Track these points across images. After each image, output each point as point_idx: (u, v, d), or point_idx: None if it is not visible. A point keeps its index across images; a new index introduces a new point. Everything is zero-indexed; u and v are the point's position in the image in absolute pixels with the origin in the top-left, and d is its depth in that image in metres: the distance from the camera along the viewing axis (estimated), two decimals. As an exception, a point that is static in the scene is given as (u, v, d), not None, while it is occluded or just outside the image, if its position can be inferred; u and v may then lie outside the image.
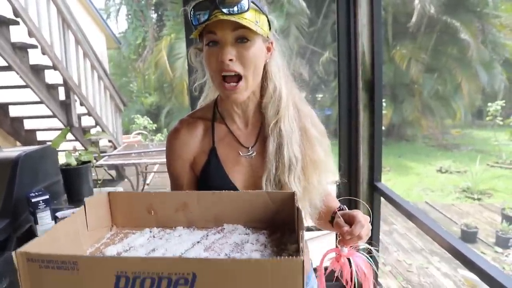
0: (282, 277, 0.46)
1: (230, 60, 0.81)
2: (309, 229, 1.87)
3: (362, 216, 0.81)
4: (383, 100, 1.85)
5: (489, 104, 9.33)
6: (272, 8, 0.89)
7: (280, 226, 0.75)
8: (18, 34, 4.04)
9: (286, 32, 10.13)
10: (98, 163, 4.31)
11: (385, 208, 4.75)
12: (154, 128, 10.81)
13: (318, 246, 1.11)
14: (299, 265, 0.46)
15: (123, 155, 5.46)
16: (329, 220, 0.92)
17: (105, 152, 5.71)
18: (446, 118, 11.78)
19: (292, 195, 0.75)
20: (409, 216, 1.53)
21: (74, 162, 1.67)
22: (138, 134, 9.33)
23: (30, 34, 4.08)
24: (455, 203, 6.51)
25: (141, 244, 0.71)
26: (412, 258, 4.20)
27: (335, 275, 0.85)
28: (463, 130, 12.30)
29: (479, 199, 6.83)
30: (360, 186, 1.89)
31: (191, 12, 0.83)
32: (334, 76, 10.39)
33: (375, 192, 1.86)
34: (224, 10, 0.78)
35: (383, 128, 2.02)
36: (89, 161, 1.71)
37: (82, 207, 0.72)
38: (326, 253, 0.86)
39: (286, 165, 0.88)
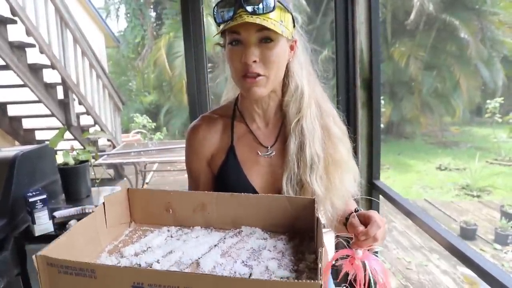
0: None
1: (254, 61, 0.79)
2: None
3: (378, 217, 0.76)
4: (382, 98, 1.86)
5: (488, 101, 9.32)
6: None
7: (299, 232, 0.74)
8: (15, 33, 4.03)
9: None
10: (97, 162, 4.31)
11: (384, 206, 4.76)
12: (153, 127, 10.76)
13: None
14: None
15: (122, 154, 5.46)
16: (343, 222, 0.86)
17: (104, 151, 5.70)
18: (445, 116, 11.79)
19: (313, 202, 0.73)
20: (408, 214, 1.53)
21: (72, 162, 1.67)
22: (137, 133, 9.31)
23: (28, 33, 4.07)
24: (454, 201, 6.52)
25: (159, 244, 0.72)
26: (411, 255, 4.21)
27: (349, 278, 0.79)
28: (462, 128, 12.31)
29: (478, 196, 6.84)
30: (359, 184, 1.88)
31: (215, 9, 0.82)
32: (333, 74, 10.37)
33: (374, 190, 1.86)
34: (249, 9, 0.76)
35: (382, 126, 2.02)
36: (87, 160, 1.71)
37: (102, 204, 0.73)
38: (337, 254, 0.80)
39: (308, 164, 0.86)
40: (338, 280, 0.84)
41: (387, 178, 7.98)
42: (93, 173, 1.80)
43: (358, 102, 1.85)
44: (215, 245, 0.71)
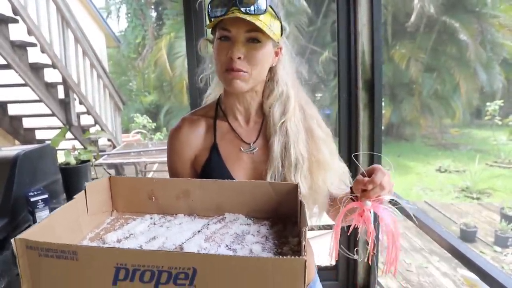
0: (283, 276, 0.46)
1: (239, 58, 0.83)
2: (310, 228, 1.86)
3: (381, 167, 0.78)
4: (383, 99, 1.86)
5: (488, 103, 9.34)
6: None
7: (283, 218, 0.74)
8: (17, 32, 4.04)
9: (285, 31, 10.10)
10: (97, 162, 4.31)
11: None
12: (153, 127, 10.78)
13: (316, 246, 1.10)
14: (301, 264, 0.45)
15: (122, 154, 5.46)
16: (349, 194, 0.83)
17: (104, 151, 5.70)
18: (445, 118, 11.79)
19: (296, 187, 0.74)
20: (409, 216, 1.53)
21: (73, 161, 1.66)
22: (138, 133, 9.31)
23: (29, 32, 4.07)
24: (454, 203, 6.52)
25: (141, 231, 0.71)
26: (412, 257, 4.20)
27: (359, 231, 0.79)
28: (462, 130, 12.31)
29: (478, 199, 6.84)
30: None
31: (209, 5, 0.85)
32: (334, 76, 10.39)
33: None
34: (242, 9, 0.80)
35: (382, 127, 2.03)
36: (88, 160, 1.71)
37: (83, 191, 0.71)
38: (345, 209, 0.79)
39: (293, 163, 0.89)
40: (348, 234, 0.84)
41: (387, 180, 7.97)
42: (93, 173, 1.80)
43: (359, 104, 1.86)
44: (199, 231, 0.71)
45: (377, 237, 0.82)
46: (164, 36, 12.09)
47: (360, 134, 1.88)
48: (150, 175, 6.61)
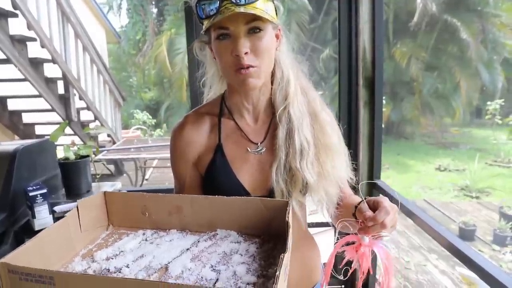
0: None
1: (246, 53, 0.78)
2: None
3: (388, 203, 0.73)
4: (383, 97, 1.86)
5: (488, 103, 9.33)
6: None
7: (274, 235, 0.73)
8: (17, 26, 4.02)
9: (287, 28, 10.06)
10: (97, 157, 4.30)
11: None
12: (153, 123, 10.81)
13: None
14: None
15: (122, 150, 5.46)
16: (352, 212, 0.81)
17: (104, 147, 5.70)
18: (445, 117, 11.78)
19: (286, 204, 0.71)
20: (409, 214, 1.53)
21: (72, 156, 1.66)
22: (137, 129, 9.32)
23: (29, 26, 4.05)
24: (453, 201, 6.52)
25: (131, 248, 0.71)
26: (410, 255, 4.22)
27: (352, 266, 0.76)
28: (462, 129, 12.32)
29: (477, 197, 6.84)
30: (359, 183, 1.88)
31: (196, 4, 0.79)
32: (334, 73, 10.37)
33: (375, 190, 1.86)
34: (234, 1, 0.74)
35: (382, 125, 2.02)
36: (88, 156, 1.70)
37: (75, 208, 0.72)
38: (342, 241, 0.76)
39: (298, 150, 0.84)
40: (340, 267, 0.80)
41: (387, 178, 7.98)
42: (93, 169, 1.79)
43: (360, 101, 1.85)
44: (187, 249, 0.70)
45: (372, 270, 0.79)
46: (164, 32, 12.06)
47: (360, 132, 1.87)
48: (149, 171, 6.62)
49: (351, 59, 1.88)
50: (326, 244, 1.25)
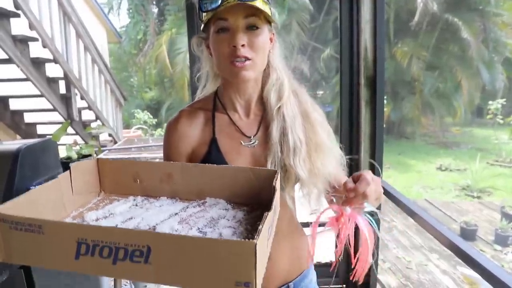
0: (234, 257, 0.48)
1: (242, 45, 0.81)
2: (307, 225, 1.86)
3: (370, 175, 0.76)
4: (385, 97, 1.86)
5: (490, 102, 9.31)
6: (274, 3, 0.90)
7: (263, 204, 0.73)
8: (18, 26, 4.02)
9: (287, 28, 10.09)
10: (98, 157, 4.30)
11: (385, 205, 4.76)
12: (154, 123, 10.80)
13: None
14: (251, 248, 0.47)
15: (123, 149, 5.46)
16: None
17: (105, 146, 5.71)
18: (446, 116, 11.77)
19: (274, 172, 0.73)
20: (411, 213, 1.53)
21: (74, 156, 1.66)
22: (138, 128, 9.32)
23: (31, 26, 4.06)
24: (454, 201, 6.52)
25: (121, 211, 0.72)
26: (412, 255, 4.21)
27: (335, 236, 0.79)
28: (463, 128, 12.30)
29: (478, 197, 6.84)
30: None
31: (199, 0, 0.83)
32: (335, 73, 10.36)
33: (376, 189, 1.86)
34: None
35: (383, 125, 2.02)
36: (90, 155, 1.71)
37: (68, 171, 0.73)
38: (324, 210, 0.81)
39: (291, 148, 0.88)
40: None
41: (388, 178, 7.98)
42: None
43: (361, 101, 1.85)
44: (176, 213, 0.71)
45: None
46: (165, 32, 12.06)
47: (361, 131, 1.87)
48: (151, 171, 6.62)
49: (352, 59, 1.88)
50: (326, 244, 1.25)
